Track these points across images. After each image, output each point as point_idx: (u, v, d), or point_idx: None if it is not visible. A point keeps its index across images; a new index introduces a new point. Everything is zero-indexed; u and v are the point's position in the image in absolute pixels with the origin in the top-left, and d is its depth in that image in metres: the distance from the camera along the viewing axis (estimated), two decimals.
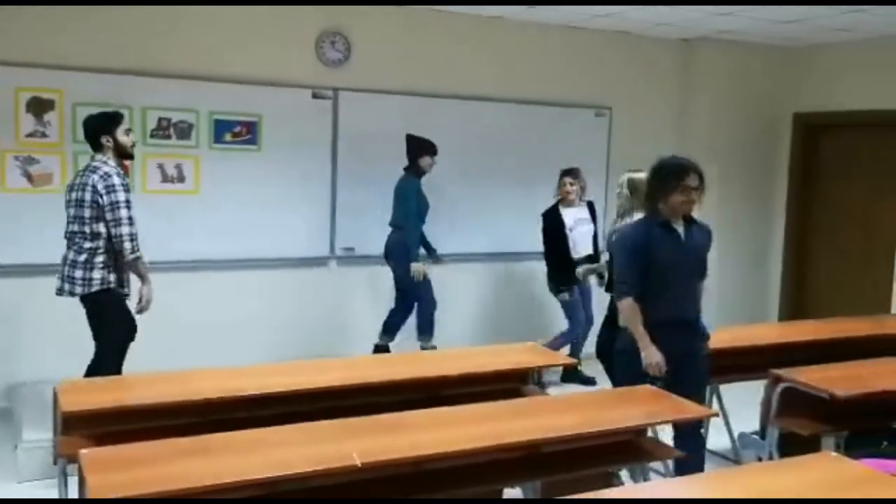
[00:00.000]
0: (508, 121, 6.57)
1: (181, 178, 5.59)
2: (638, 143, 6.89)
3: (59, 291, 4.46)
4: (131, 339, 4.57)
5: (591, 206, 6.17)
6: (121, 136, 4.47)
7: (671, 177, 3.75)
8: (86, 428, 3.19)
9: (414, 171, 5.82)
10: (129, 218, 4.37)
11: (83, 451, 2.61)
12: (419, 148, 5.80)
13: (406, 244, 5.78)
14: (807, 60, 7.20)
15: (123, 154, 4.52)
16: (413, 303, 5.94)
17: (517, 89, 6.59)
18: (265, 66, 5.77)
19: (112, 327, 4.49)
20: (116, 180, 4.36)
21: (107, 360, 4.46)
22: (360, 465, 2.61)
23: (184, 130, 5.56)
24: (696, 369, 3.89)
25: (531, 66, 6.63)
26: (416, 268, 5.75)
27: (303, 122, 5.91)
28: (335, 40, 5.95)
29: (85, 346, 5.13)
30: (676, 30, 6.72)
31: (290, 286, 6.02)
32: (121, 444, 2.75)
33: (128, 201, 4.38)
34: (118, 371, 4.46)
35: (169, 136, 5.52)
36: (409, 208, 5.75)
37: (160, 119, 5.49)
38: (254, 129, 5.78)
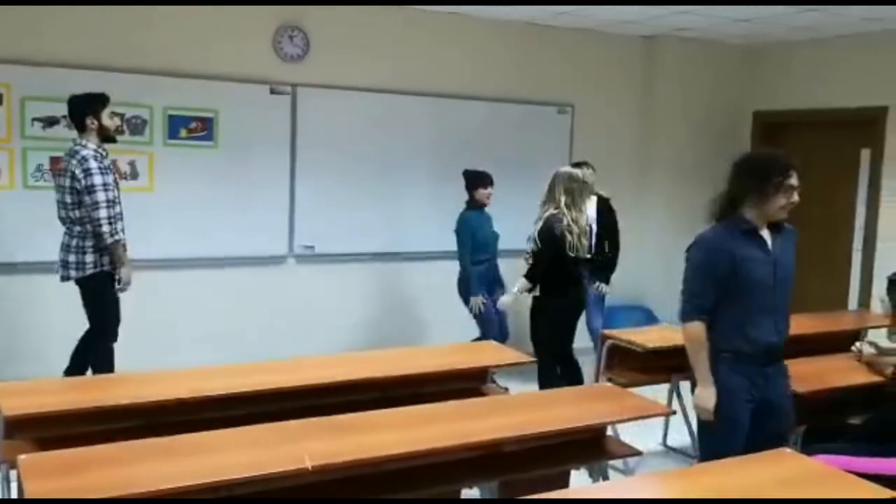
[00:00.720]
0: (470, 118, 6.52)
1: (135, 175, 5.46)
2: (600, 141, 6.91)
3: (60, 277, 4.56)
4: (114, 339, 4.67)
5: (602, 201, 5.89)
6: (105, 119, 4.55)
7: (774, 174, 3.09)
8: (29, 432, 3.10)
9: (473, 204, 5.66)
10: (107, 201, 4.42)
11: (21, 457, 2.52)
12: (474, 180, 5.65)
13: (464, 280, 5.66)
14: (766, 59, 7.26)
15: (106, 137, 4.59)
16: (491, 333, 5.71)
17: (479, 86, 6.55)
18: (221, 61, 5.67)
19: (105, 310, 4.59)
20: (93, 164, 4.41)
21: (101, 346, 4.59)
22: (310, 469, 2.54)
23: (137, 126, 5.44)
24: (784, 410, 3.30)
25: (493, 63, 6.59)
26: (474, 301, 5.58)
27: (260, 118, 5.81)
28: (293, 35, 5.86)
29: (40, 346, 5.05)
30: (638, 27, 6.73)
31: (248, 285, 5.93)
32: (64, 449, 2.66)
33: (105, 184, 4.43)
34: (111, 363, 4.59)
35: (122, 132, 5.38)
36: (463, 244, 5.61)
37: (112, 114, 5.31)
38: (210, 125, 5.67)
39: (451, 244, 6.48)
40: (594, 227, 5.71)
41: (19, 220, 5.16)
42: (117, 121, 4.66)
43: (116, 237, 4.46)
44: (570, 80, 6.93)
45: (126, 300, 4.78)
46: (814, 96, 6.87)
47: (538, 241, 4.87)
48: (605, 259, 5.86)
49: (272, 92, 5.84)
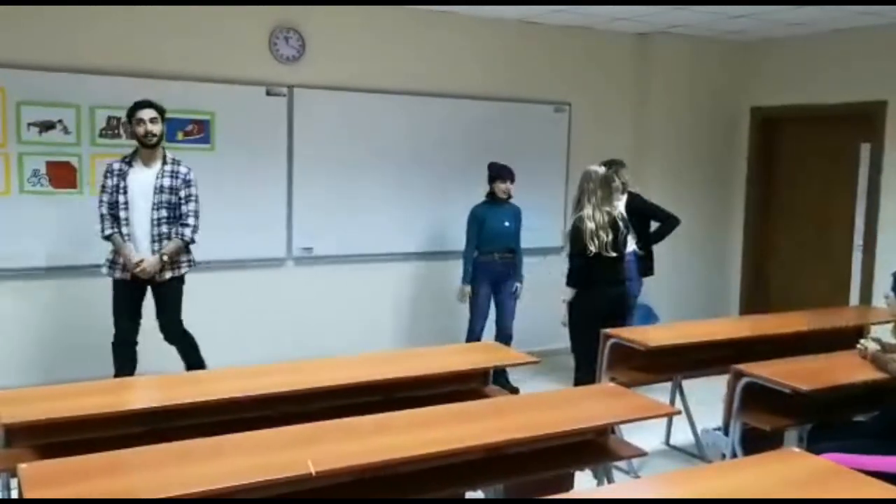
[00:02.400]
0: (467, 117, 6.49)
1: None
2: (597, 139, 6.88)
3: None
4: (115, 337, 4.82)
5: (631, 199, 5.82)
6: (134, 126, 4.71)
7: None
8: (29, 440, 3.06)
9: (492, 197, 5.78)
10: (100, 201, 4.69)
11: (22, 466, 2.49)
12: (493, 174, 5.76)
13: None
14: (763, 55, 7.24)
15: (140, 142, 4.74)
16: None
17: (475, 85, 6.52)
18: (217, 63, 5.63)
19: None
20: (105, 171, 4.73)
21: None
22: (314, 474, 2.51)
23: None
24: None
25: (490, 62, 6.56)
26: (460, 289, 5.80)
27: (257, 120, 5.78)
28: (289, 36, 5.82)
29: (41, 353, 5.00)
30: (633, 24, 6.70)
31: (247, 288, 5.89)
32: (65, 457, 2.63)
33: (102, 185, 4.72)
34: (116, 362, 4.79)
35: (118, 136, 5.35)
36: (467, 235, 5.79)
37: (109, 118, 5.32)
38: (206, 128, 5.64)
39: (449, 243, 6.49)
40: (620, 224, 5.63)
41: (15, 225, 5.13)
42: (143, 128, 4.67)
43: (104, 234, 4.71)
44: (566, 79, 6.90)
45: None
46: (812, 91, 6.85)
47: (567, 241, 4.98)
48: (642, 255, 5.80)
49: (268, 94, 5.80)
